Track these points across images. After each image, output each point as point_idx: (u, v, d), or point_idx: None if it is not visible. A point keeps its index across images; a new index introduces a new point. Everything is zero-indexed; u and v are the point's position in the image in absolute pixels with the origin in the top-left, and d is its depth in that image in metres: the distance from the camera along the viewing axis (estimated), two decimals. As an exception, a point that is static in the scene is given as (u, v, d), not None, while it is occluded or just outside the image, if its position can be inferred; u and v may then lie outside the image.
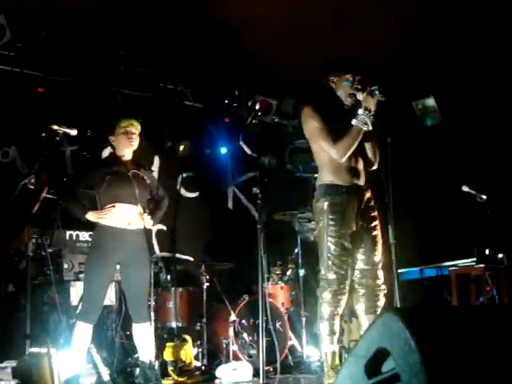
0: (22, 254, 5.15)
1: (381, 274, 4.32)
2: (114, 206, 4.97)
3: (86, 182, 5.18)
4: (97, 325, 5.05)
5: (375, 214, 4.39)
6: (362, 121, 4.18)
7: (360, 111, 4.20)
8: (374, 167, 4.48)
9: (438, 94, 7.64)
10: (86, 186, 5.17)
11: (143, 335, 5.07)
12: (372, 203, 4.39)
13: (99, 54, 7.09)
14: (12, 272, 5.54)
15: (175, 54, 7.16)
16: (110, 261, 4.97)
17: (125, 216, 5.00)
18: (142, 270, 5.08)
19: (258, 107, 5.25)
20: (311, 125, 4.35)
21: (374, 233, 4.34)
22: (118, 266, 5.08)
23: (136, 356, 5.72)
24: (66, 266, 5.75)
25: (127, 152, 5.19)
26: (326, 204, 4.24)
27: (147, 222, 5.12)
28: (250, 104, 7.48)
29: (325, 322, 4.20)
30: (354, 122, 4.21)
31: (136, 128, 5.19)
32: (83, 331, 4.84)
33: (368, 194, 4.39)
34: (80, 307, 5.02)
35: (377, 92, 4.18)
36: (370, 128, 4.21)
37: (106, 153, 7.25)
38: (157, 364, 5.41)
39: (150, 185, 5.30)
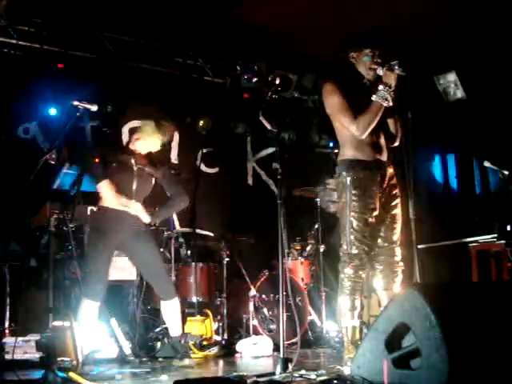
0: (44, 230, 5.19)
1: (398, 251, 4.33)
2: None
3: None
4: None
5: (397, 191, 4.37)
6: (383, 96, 4.15)
7: (380, 87, 4.16)
8: (396, 143, 4.45)
9: (460, 68, 7.55)
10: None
11: (171, 311, 5.18)
12: (394, 180, 4.37)
13: (118, 29, 7.09)
14: (34, 247, 5.60)
15: (194, 29, 7.12)
16: (108, 241, 5.05)
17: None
18: (150, 248, 5.17)
19: (277, 82, 5.20)
20: (332, 101, 4.33)
21: (395, 211, 4.34)
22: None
23: (157, 330, 5.79)
24: (87, 241, 5.80)
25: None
26: (348, 179, 4.23)
27: (144, 217, 5.17)
28: (269, 79, 7.44)
29: (346, 297, 4.21)
30: (374, 97, 4.18)
31: (157, 136, 5.26)
32: (91, 309, 4.88)
33: (391, 170, 4.36)
34: (87, 286, 5.00)
35: (397, 66, 4.14)
36: (391, 104, 4.18)
37: (125, 129, 7.28)
38: (187, 338, 5.49)
39: (160, 181, 5.35)
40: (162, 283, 5.17)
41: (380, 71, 4.21)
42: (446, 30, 6.86)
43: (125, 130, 7.24)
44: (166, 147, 6.55)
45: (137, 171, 5.17)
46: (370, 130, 4.21)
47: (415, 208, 4.31)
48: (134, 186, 5.15)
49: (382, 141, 4.37)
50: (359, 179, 4.22)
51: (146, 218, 5.19)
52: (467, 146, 7.75)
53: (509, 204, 6.33)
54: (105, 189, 5.02)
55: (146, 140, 5.25)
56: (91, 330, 4.94)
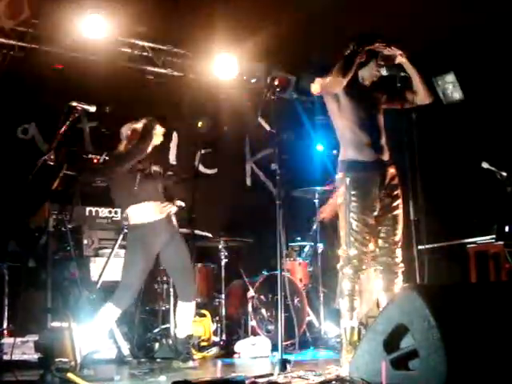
0: (43, 230, 5.19)
1: (399, 252, 4.32)
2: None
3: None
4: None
5: (398, 192, 4.35)
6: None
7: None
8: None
9: (459, 69, 7.55)
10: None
11: (186, 313, 5.26)
12: (396, 181, 4.35)
13: (118, 30, 7.08)
14: (33, 247, 5.60)
15: (193, 30, 7.12)
16: (150, 255, 5.11)
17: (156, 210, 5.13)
18: (182, 251, 5.27)
19: (276, 83, 5.20)
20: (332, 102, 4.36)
21: (396, 212, 4.32)
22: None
23: (156, 331, 5.78)
24: (85, 241, 5.81)
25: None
26: (348, 180, 4.23)
27: (173, 208, 5.29)
28: (268, 80, 7.44)
29: (345, 298, 4.21)
30: None
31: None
32: (112, 314, 4.93)
33: (392, 170, 4.35)
34: (117, 293, 5.03)
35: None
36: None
37: (124, 130, 7.26)
38: (194, 340, 5.55)
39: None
40: (186, 285, 5.27)
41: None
42: (445, 30, 6.86)
43: (123, 131, 7.22)
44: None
45: (154, 174, 5.25)
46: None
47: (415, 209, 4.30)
48: (160, 189, 5.28)
49: (383, 140, 4.37)
50: (359, 179, 4.22)
51: (174, 208, 5.29)
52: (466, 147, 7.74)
53: (507, 205, 6.33)
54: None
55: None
56: (103, 334, 4.97)
